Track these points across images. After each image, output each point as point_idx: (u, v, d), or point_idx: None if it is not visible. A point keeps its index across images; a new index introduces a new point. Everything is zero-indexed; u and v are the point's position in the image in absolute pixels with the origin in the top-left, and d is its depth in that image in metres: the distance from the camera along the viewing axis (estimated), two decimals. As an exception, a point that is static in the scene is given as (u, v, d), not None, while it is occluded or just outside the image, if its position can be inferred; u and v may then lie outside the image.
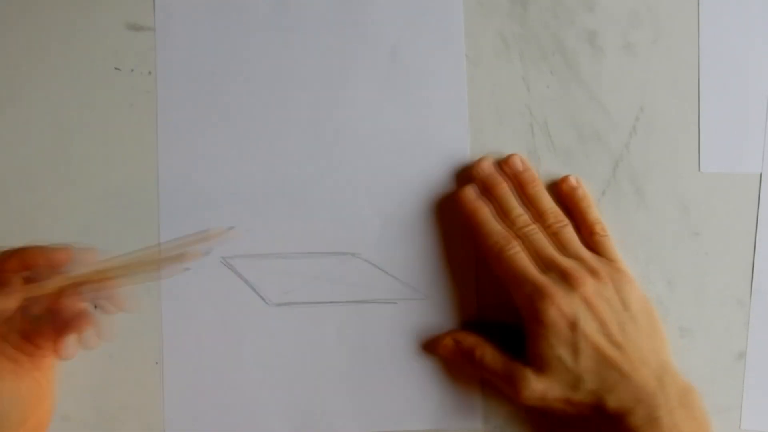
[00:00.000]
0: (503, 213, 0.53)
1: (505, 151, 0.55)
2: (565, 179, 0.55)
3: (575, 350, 0.49)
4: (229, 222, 0.55)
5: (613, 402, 0.48)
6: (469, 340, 0.53)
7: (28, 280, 0.47)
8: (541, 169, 0.56)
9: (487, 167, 0.54)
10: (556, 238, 0.53)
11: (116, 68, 0.55)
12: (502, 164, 0.55)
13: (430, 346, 0.54)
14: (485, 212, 0.53)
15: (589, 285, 0.50)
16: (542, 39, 0.56)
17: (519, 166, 0.55)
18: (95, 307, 0.49)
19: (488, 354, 0.52)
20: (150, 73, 0.55)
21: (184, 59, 0.55)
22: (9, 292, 0.45)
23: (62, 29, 0.55)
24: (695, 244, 0.55)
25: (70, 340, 0.47)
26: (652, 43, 0.56)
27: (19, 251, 0.48)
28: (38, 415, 0.49)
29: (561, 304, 0.49)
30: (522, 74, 0.56)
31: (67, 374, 0.53)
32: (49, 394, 0.50)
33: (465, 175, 0.55)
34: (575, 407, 0.49)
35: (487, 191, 0.54)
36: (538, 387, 0.49)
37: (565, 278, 0.50)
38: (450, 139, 0.55)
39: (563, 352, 0.49)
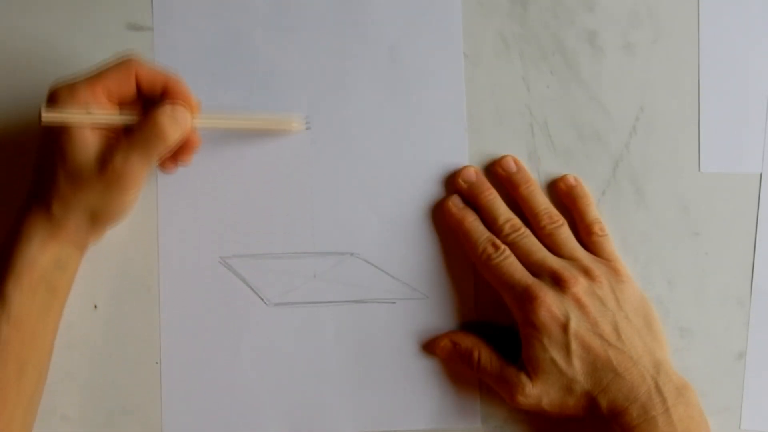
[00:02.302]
0: (491, 220, 0.53)
1: (505, 152, 0.55)
2: (563, 178, 0.55)
3: (567, 351, 0.49)
4: (228, 222, 0.55)
5: (606, 402, 0.48)
6: (467, 341, 0.53)
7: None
8: (541, 170, 0.56)
9: (472, 175, 0.54)
10: (551, 239, 0.53)
11: (116, 68, 0.55)
12: (496, 166, 0.55)
13: (428, 347, 0.54)
14: (471, 221, 0.53)
15: (580, 285, 0.50)
16: (542, 39, 0.56)
17: (512, 167, 0.55)
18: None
19: (485, 357, 0.52)
20: (150, 73, 0.55)
21: (182, 59, 0.55)
22: (185, 121, 0.49)
23: (62, 29, 0.55)
24: (695, 244, 0.55)
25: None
26: (652, 43, 0.56)
27: (172, 81, 0.50)
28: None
29: (551, 306, 0.49)
30: (522, 74, 0.56)
31: (67, 374, 0.54)
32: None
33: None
34: (571, 410, 0.49)
35: (474, 199, 0.54)
36: (533, 392, 0.49)
37: (555, 280, 0.50)
38: (449, 138, 0.55)
39: (556, 354, 0.49)
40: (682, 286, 0.55)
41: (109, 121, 0.48)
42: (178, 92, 0.49)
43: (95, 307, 0.54)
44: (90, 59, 0.55)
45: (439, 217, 0.55)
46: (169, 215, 0.55)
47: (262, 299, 0.55)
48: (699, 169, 0.56)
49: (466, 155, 0.55)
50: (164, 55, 0.55)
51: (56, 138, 0.48)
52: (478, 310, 0.55)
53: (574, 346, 0.49)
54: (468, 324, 0.55)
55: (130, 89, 0.49)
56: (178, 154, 0.51)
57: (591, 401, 0.49)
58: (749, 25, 0.56)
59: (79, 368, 0.54)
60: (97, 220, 0.49)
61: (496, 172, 0.55)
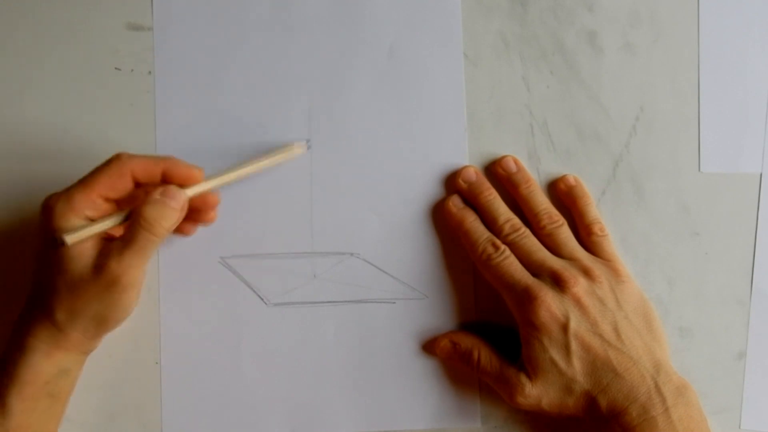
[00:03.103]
0: (491, 220, 0.53)
1: (505, 152, 0.55)
2: (563, 178, 0.55)
3: (567, 351, 0.49)
4: (228, 222, 0.54)
5: (606, 402, 0.48)
6: (466, 341, 0.53)
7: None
8: (541, 170, 0.56)
9: (472, 175, 0.54)
10: (550, 239, 0.53)
11: (116, 68, 0.55)
12: (496, 166, 0.55)
13: (428, 347, 0.54)
14: (471, 221, 0.53)
15: (580, 285, 0.50)
16: (542, 39, 0.56)
17: (512, 167, 0.55)
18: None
19: (485, 357, 0.52)
20: (150, 73, 0.55)
21: (182, 59, 0.55)
22: (178, 202, 0.48)
23: (62, 29, 0.55)
24: (695, 244, 0.55)
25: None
26: (652, 43, 0.56)
27: (168, 164, 0.49)
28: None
29: (551, 306, 0.49)
30: (522, 74, 0.56)
31: (67, 374, 0.54)
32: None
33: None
34: (570, 411, 0.49)
35: (474, 199, 0.54)
36: (533, 393, 0.49)
37: (555, 280, 0.50)
38: (448, 139, 0.55)
39: (556, 354, 0.49)
40: (682, 286, 0.55)
41: (118, 224, 0.48)
42: (175, 173, 0.49)
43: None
44: (90, 60, 0.55)
45: (439, 217, 0.55)
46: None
47: (262, 299, 0.55)
48: (699, 169, 0.56)
49: (466, 155, 0.55)
50: (164, 55, 0.55)
51: (52, 250, 0.47)
52: (478, 310, 0.55)
53: (574, 346, 0.49)
54: (468, 324, 0.55)
55: (125, 187, 0.49)
56: (195, 217, 0.51)
57: (591, 401, 0.49)
58: (749, 25, 0.56)
59: (79, 368, 0.54)
60: (102, 324, 0.49)
61: (496, 172, 0.55)
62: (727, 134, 0.56)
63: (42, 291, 0.48)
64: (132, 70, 0.55)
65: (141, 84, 0.55)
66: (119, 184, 0.48)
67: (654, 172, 0.56)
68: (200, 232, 0.54)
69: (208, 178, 0.50)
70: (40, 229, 0.48)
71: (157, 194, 0.48)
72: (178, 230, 0.52)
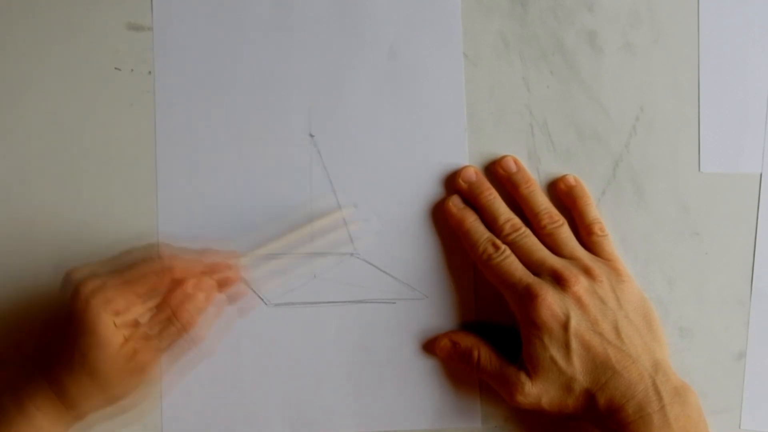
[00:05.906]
0: (491, 220, 0.53)
1: (505, 152, 0.55)
2: (563, 178, 0.55)
3: (567, 350, 0.49)
4: (228, 221, 0.54)
5: (604, 399, 0.48)
6: (466, 341, 0.53)
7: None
8: (541, 170, 0.56)
9: (472, 175, 0.54)
10: (551, 238, 0.53)
11: (116, 68, 0.55)
12: (496, 166, 0.55)
13: (428, 347, 0.54)
14: (471, 221, 0.53)
15: (581, 284, 0.50)
16: (542, 39, 0.56)
17: (512, 167, 0.55)
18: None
19: (484, 356, 0.52)
20: (150, 73, 0.55)
21: (182, 59, 0.55)
22: (209, 298, 0.51)
23: (62, 29, 0.55)
24: (695, 244, 0.55)
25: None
26: (652, 43, 0.56)
27: (209, 265, 0.51)
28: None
29: (552, 304, 0.49)
30: (522, 74, 0.56)
31: (67, 374, 0.54)
32: None
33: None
34: (570, 410, 0.49)
35: (474, 199, 0.54)
36: (532, 392, 0.49)
37: (556, 278, 0.50)
38: (448, 139, 0.55)
39: (556, 352, 0.49)
40: (682, 286, 0.55)
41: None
42: (215, 270, 0.51)
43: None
44: (90, 60, 0.55)
45: (439, 217, 0.55)
46: (169, 215, 0.55)
47: (262, 299, 0.55)
48: (699, 169, 0.56)
49: (466, 155, 0.55)
50: (164, 55, 0.55)
51: (78, 336, 0.47)
52: (478, 310, 0.55)
53: (574, 344, 0.49)
54: (468, 324, 0.55)
55: (163, 286, 0.50)
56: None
57: (589, 399, 0.49)
58: (749, 25, 0.56)
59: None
60: (109, 403, 0.49)
61: (496, 172, 0.55)
62: (727, 134, 0.56)
63: (53, 365, 0.48)
64: (132, 70, 0.55)
65: (141, 84, 0.55)
66: (159, 285, 0.49)
67: (654, 172, 0.56)
68: (200, 232, 0.54)
69: (248, 254, 0.53)
70: (63, 306, 0.48)
71: (189, 288, 0.50)
72: None
